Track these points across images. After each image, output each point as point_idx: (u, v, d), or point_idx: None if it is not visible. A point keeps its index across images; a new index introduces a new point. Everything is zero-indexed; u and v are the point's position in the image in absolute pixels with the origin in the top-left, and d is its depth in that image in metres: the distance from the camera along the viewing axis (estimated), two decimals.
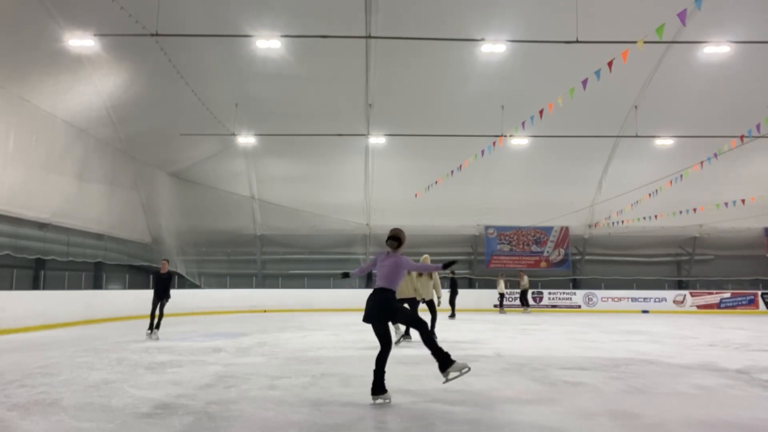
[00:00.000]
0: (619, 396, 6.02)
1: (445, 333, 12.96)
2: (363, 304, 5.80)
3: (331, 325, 15.46)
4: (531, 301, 24.37)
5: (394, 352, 9.84)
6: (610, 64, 11.06)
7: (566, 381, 6.85)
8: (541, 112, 13.52)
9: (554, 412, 5.20)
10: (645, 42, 10.65)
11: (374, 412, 5.22)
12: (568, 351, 10.14)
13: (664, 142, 22.34)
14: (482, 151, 16.79)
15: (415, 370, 7.60)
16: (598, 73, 11.42)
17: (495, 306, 23.80)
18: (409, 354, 9.23)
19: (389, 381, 6.82)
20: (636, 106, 21.02)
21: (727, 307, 24.57)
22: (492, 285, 25.50)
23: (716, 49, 16.86)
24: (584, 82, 11.75)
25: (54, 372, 7.40)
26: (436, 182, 19.63)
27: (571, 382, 6.76)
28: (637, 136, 20.75)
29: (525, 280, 23.89)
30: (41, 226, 17.15)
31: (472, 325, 16.18)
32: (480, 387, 6.44)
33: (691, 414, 5.18)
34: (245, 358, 8.78)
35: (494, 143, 16.48)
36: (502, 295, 23.30)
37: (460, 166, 17.93)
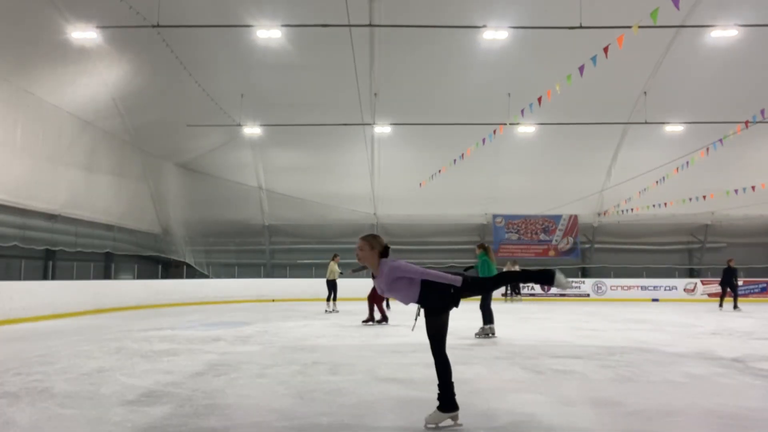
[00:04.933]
0: (604, 384, 5.99)
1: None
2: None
3: (336, 315, 15.53)
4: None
5: (391, 340, 9.90)
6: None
7: (556, 369, 6.84)
8: (541, 99, 13.37)
9: (535, 401, 5.20)
10: (652, 27, 10.47)
11: (355, 400, 5.26)
12: (566, 339, 10.11)
13: (674, 129, 22.00)
14: (483, 140, 16.68)
15: (407, 358, 7.62)
16: (593, 59, 11.28)
17: (503, 295, 23.72)
18: (405, 342, 9.26)
19: (379, 368, 6.89)
20: (645, 92, 20.71)
21: (738, 295, 24.18)
22: None
23: (723, 33, 16.58)
24: (584, 68, 11.60)
25: (52, 360, 7.52)
26: (440, 171, 19.54)
27: (561, 371, 6.74)
28: (646, 123, 20.49)
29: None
30: (50, 217, 17.39)
31: (477, 314, 16.10)
32: (468, 375, 6.44)
33: (673, 402, 5.14)
34: (242, 347, 8.87)
35: (494, 131, 16.36)
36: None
37: (462, 154, 17.85)
